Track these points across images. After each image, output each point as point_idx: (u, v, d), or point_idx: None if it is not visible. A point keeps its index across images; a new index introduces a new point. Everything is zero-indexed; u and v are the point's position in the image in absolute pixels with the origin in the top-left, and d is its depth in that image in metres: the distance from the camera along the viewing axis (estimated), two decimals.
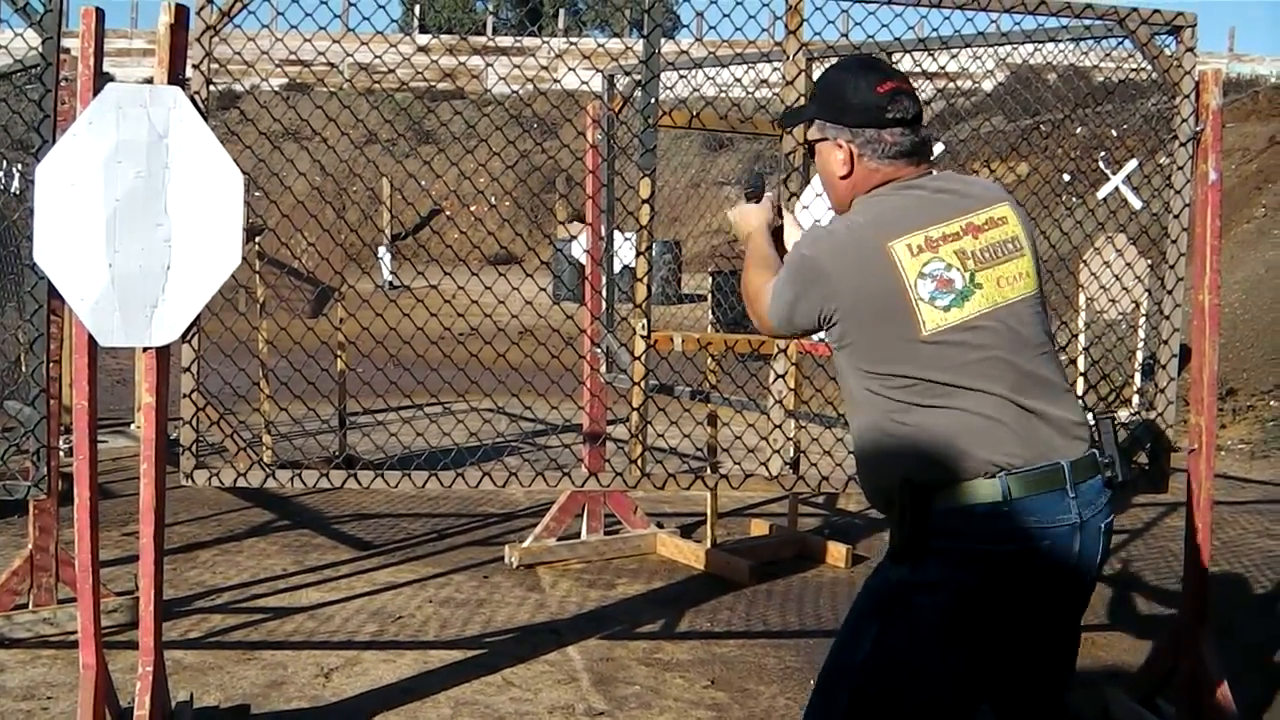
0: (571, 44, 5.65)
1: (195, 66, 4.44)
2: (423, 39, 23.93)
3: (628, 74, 6.61)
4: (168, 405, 4.39)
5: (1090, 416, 3.08)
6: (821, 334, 3.08)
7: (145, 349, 4.32)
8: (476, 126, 5.52)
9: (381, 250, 19.95)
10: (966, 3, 5.08)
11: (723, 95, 5.69)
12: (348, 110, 5.55)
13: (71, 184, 4.22)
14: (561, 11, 35.14)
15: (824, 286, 2.94)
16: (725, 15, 4.89)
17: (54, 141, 4.39)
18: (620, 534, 6.96)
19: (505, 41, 25.44)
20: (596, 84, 7.26)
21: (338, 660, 5.17)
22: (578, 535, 6.83)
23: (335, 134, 5.16)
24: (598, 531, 6.85)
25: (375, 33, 4.84)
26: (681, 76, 5.90)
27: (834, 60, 3.59)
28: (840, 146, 3.09)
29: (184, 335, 4.43)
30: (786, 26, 4.83)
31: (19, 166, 6.05)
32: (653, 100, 4.99)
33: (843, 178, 3.11)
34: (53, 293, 4.43)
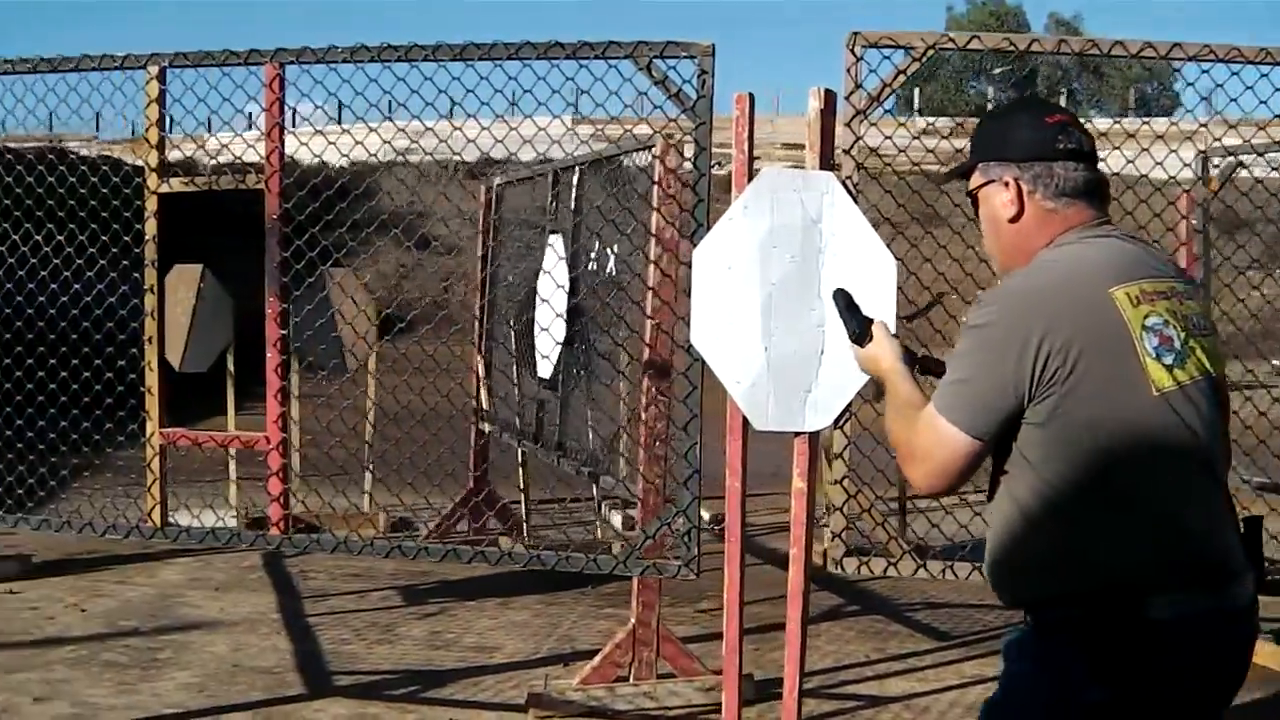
0: (1173, 124, 5.27)
1: (846, 151, 4.47)
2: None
3: (1229, 154, 6.25)
4: (814, 494, 4.39)
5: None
6: (1026, 417, 2.52)
7: (797, 434, 4.34)
8: None
9: None
10: None
11: None
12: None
13: (728, 267, 4.27)
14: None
15: (1027, 339, 2.47)
16: None
17: (706, 225, 4.51)
18: None
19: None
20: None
21: None
22: None
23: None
24: None
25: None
26: None
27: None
28: (1006, 185, 2.68)
29: (836, 421, 4.43)
30: None
31: (612, 249, 6.31)
32: None
33: (1011, 220, 2.68)
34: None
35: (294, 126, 8.17)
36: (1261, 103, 4.90)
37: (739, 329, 4.27)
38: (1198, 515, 2.52)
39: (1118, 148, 4.79)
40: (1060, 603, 2.55)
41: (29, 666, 5.95)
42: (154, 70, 4.70)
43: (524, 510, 8.10)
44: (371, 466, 8.42)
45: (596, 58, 4.41)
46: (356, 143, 5.44)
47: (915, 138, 5.57)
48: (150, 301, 4.79)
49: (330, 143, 6.10)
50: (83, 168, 5.62)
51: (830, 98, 4.42)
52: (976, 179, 2.78)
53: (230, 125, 5.36)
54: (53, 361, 5.55)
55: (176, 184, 4.84)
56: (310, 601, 7.19)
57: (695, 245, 4.44)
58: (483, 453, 8.29)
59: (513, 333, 7.67)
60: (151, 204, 4.74)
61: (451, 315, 13.60)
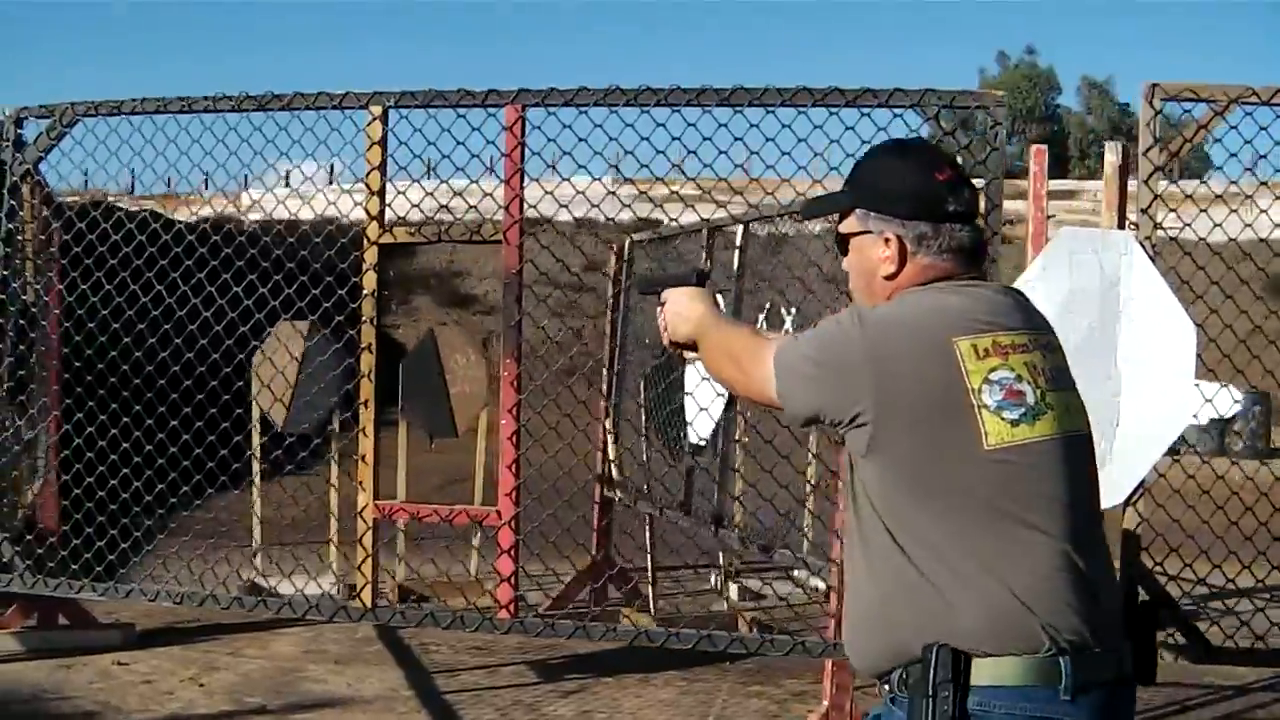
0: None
1: (1143, 211, 4.19)
2: None
3: None
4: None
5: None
6: (839, 432, 2.49)
7: None
8: None
9: None
10: None
11: None
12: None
13: None
14: None
15: (864, 376, 2.41)
16: None
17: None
18: None
19: None
20: None
21: None
22: None
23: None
24: None
25: None
26: None
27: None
28: (888, 241, 2.57)
29: (1128, 499, 4.14)
30: None
31: (790, 309, 6.04)
32: None
33: (888, 277, 2.59)
34: None
35: (330, 184, 7.80)
36: None
37: None
38: (1033, 577, 2.36)
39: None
40: (895, 664, 2.45)
41: None
42: (377, 110, 4.38)
43: (651, 580, 7.70)
44: (478, 538, 8.04)
45: (880, 106, 4.14)
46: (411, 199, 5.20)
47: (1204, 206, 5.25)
48: (367, 361, 4.43)
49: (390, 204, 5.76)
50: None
51: (1127, 153, 4.16)
52: (852, 224, 2.66)
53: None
54: (126, 420, 5.40)
55: (401, 234, 4.48)
56: (440, 678, 6.76)
57: None
58: (606, 520, 7.91)
59: (643, 396, 7.32)
60: (371, 255, 4.40)
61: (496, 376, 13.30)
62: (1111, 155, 4.11)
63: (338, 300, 5.33)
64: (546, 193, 5.08)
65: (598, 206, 5.17)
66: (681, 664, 6.95)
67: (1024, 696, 2.33)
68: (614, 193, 5.82)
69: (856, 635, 2.56)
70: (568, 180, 5.47)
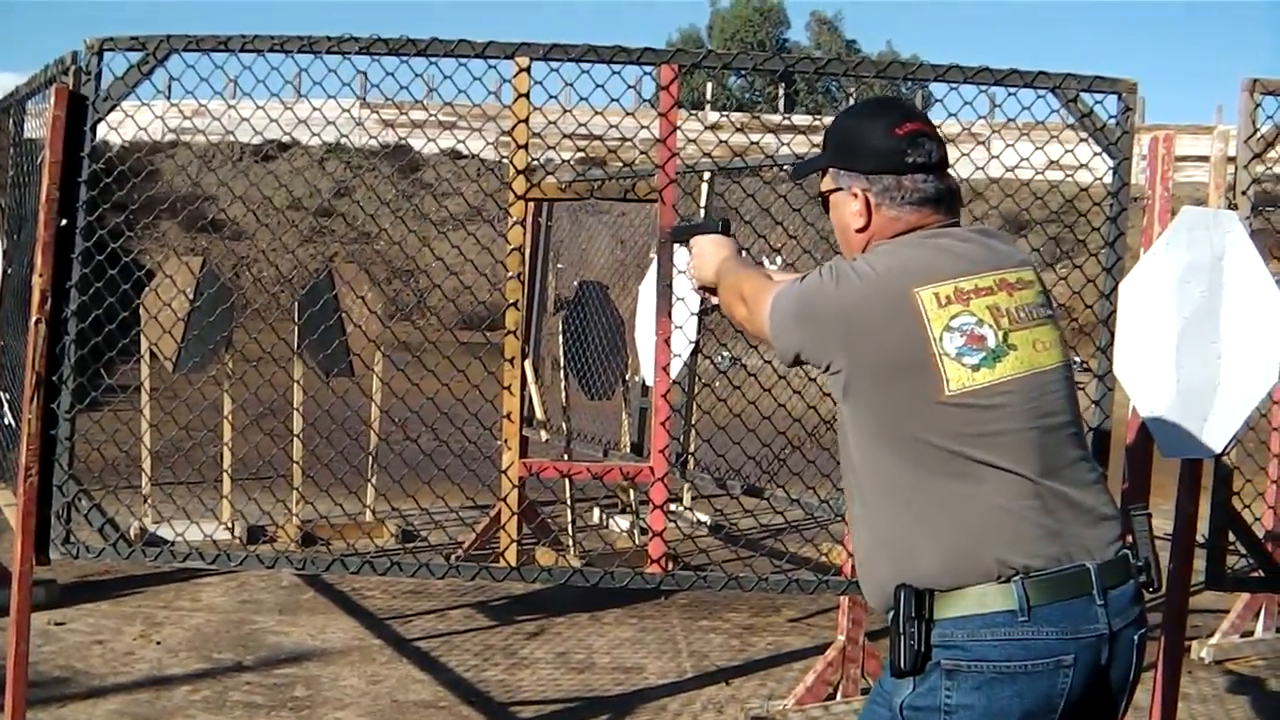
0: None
1: (1243, 193, 4.65)
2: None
3: None
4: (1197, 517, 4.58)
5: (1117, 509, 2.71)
6: (820, 374, 2.75)
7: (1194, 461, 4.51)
8: None
9: None
10: None
11: None
12: None
13: (1149, 301, 4.40)
14: None
15: (837, 330, 2.63)
16: None
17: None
18: None
19: None
20: None
21: None
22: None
23: None
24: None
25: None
26: None
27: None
28: (855, 196, 2.78)
29: (1224, 449, 4.62)
30: None
31: (771, 258, 6.23)
32: None
33: (859, 230, 2.79)
34: None
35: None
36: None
37: (1156, 360, 4.40)
38: (989, 512, 2.54)
39: None
40: (886, 607, 2.64)
41: (163, 714, 5.31)
42: (523, 62, 4.31)
43: (571, 519, 7.74)
44: (374, 476, 7.86)
45: (1025, 86, 4.42)
46: (139, 128, 5.01)
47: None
48: (513, 318, 4.39)
49: (111, 127, 5.53)
50: None
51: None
52: (828, 183, 2.87)
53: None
54: None
55: (550, 189, 4.43)
56: (397, 625, 6.69)
57: (1116, 279, 4.54)
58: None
59: (562, 340, 7.37)
60: (518, 210, 4.34)
61: (251, 302, 12.73)
62: (1219, 143, 4.55)
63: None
64: (300, 121, 4.84)
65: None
66: (618, 602, 7.11)
67: (984, 623, 2.50)
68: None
69: (861, 580, 2.76)
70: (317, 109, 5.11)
